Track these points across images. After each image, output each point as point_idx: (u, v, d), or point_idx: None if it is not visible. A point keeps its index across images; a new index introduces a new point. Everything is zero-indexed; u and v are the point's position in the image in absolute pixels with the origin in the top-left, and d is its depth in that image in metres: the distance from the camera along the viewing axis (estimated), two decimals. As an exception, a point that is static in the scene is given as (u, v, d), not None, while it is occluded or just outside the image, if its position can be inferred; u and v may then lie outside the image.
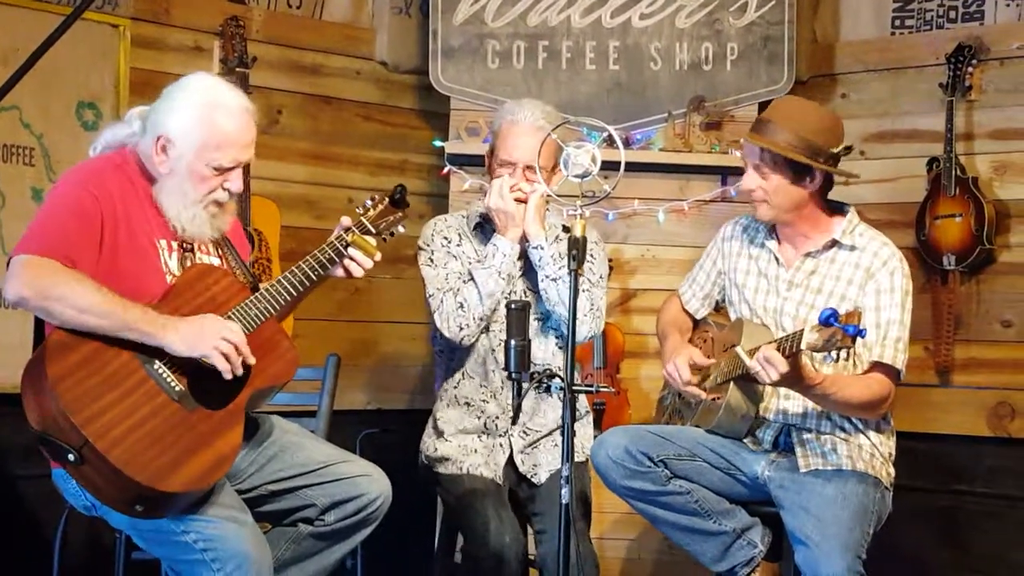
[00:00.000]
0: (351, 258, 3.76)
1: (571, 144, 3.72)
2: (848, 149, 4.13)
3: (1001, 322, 5.62)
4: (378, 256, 3.80)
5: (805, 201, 4.10)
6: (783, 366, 3.70)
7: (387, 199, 3.86)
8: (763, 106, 5.65)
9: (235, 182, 3.61)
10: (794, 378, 3.77)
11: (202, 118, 3.54)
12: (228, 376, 3.45)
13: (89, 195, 3.48)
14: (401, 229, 3.91)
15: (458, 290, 4.32)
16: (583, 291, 4.23)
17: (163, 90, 3.64)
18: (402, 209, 3.90)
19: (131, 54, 5.15)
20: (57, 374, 3.29)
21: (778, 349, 3.73)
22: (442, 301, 4.33)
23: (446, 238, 4.44)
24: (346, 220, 3.80)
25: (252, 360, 3.50)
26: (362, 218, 3.81)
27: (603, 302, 4.44)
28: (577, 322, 4.26)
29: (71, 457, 3.28)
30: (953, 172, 5.52)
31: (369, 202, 3.84)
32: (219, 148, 3.55)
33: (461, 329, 4.31)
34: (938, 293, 5.64)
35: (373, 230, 3.81)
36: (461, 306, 4.30)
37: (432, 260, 4.40)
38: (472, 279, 4.31)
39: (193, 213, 3.59)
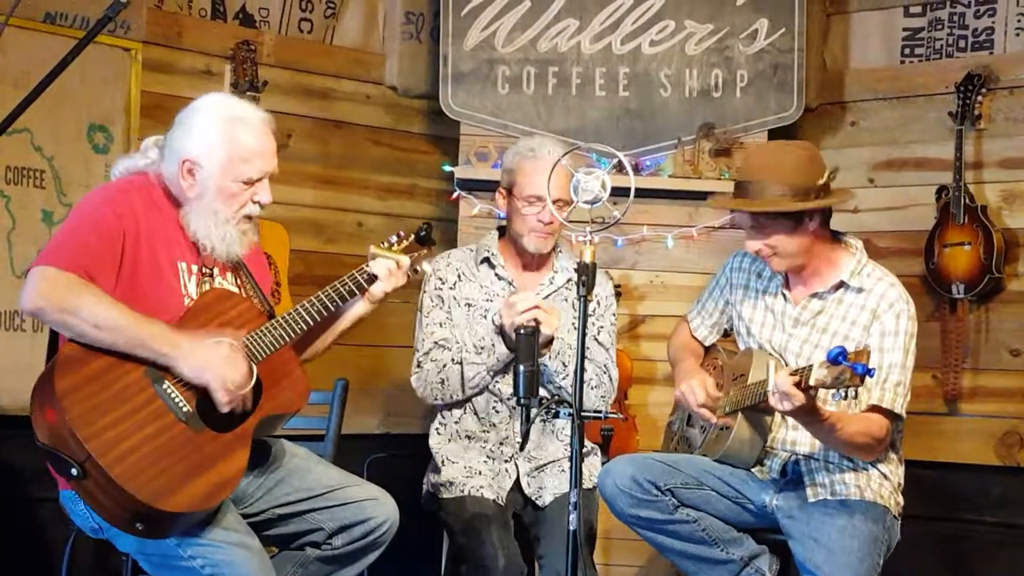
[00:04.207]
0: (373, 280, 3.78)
1: (581, 170, 3.72)
2: (833, 173, 4.06)
3: (1010, 351, 5.62)
4: (405, 260, 3.81)
5: (812, 242, 4.03)
6: (799, 399, 3.65)
7: (412, 236, 3.90)
8: (772, 133, 5.67)
9: (264, 194, 3.63)
10: (805, 411, 3.73)
11: (224, 134, 3.56)
12: (224, 410, 3.46)
13: (112, 212, 3.48)
14: (426, 267, 3.94)
15: (444, 366, 4.34)
16: (589, 360, 4.28)
17: (176, 116, 3.64)
18: (428, 247, 3.93)
19: (143, 77, 5.16)
20: (65, 388, 3.29)
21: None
22: (425, 368, 4.37)
23: (441, 279, 4.45)
24: (374, 250, 3.83)
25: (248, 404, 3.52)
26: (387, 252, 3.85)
27: (615, 368, 4.51)
28: (594, 390, 4.31)
29: (74, 471, 3.28)
30: (962, 200, 5.52)
31: (394, 238, 3.88)
32: (245, 161, 3.58)
33: (436, 400, 4.38)
34: (947, 322, 5.64)
35: None
36: (442, 383, 4.34)
37: (425, 303, 4.43)
38: (460, 364, 4.33)
39: (224, 232, 3.59)
